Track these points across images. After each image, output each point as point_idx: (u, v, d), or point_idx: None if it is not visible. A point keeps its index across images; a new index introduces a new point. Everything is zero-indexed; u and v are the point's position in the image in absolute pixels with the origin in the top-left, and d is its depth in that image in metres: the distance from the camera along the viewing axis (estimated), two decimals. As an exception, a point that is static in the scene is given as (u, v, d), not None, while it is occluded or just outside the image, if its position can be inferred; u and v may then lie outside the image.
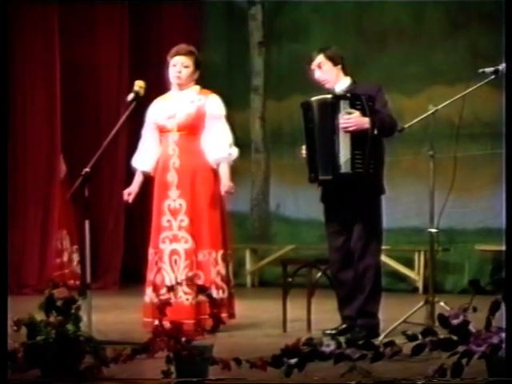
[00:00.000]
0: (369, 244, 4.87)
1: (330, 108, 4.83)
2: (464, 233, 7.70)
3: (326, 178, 4.87)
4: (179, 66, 5.31)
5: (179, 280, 5.00)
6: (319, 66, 5.01)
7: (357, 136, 4.77)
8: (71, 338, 3.61)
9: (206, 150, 5.29)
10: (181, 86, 5.35)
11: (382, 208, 4.97)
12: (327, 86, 5.02)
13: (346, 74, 5.03)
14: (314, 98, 4.94)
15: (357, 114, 4.77)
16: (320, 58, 5.00)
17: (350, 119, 4.76)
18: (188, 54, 5.33)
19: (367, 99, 4.79)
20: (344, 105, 4.80)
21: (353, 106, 4.79)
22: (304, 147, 4.98)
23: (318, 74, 5.02)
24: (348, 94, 4.85)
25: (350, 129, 4.76)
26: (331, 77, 4.99)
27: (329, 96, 4.89)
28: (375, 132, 4.78)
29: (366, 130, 4.76)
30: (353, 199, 4.87)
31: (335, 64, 4.99)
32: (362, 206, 4.87)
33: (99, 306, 5.14)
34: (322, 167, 4.87)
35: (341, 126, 4.77)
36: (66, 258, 8.06)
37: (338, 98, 4.84)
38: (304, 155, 4.98)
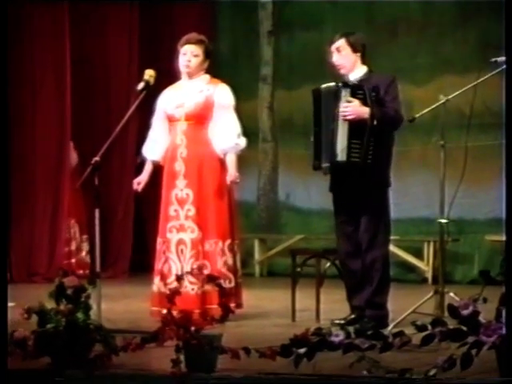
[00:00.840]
0: (376, 236, 4.86)
1: (333, 95, 4.82)
2: (474, 223, 7.68)
3: (325, 165, 4.87)
4: (189, 54, 5.30)
5: (185, 270, 5.01)
6: (338, 50, 4.96)
7: (355, 125, 4.75)
8: (81, 326, 3.63)
9: (213, 140, 5.29)
10: (190, 75, 5.34)
11: (388, 200, 4.95)
12: (342, 71, 4.98)
13: (363, 62, 4.98)
14: (322, 86, 4.92)
15: (356, 102, 4.75)
16: (341, 42, 4.95)
17: (348, 107, 4.74)
18: (198, 42, 5.32)
19: (371, 89, 4.77)
20: (345, 93, 4.78)
21: (354, 95, 4.77)
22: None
23: (336, 58, 4.97)
24: (350, 83, 4.83)
25: (348, 117, 4.75)
26: (348, 63, 4.94)
27: (333, 84, 4.87)
28: (375, 123, 4.74)
29: (365, 119, 4.74)
30: (359, 190, 4.86)
31: (355, 51, 4.95)
32: (368, 198, 4.86)
33: (108, 295, 5.14)
34: (324, 155, 4.86)
35: (339, 113, 4.76)
36: (74, 247, 8.08)
37: (339, 86, 4.82)
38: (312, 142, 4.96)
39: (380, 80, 4.89)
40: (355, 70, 4.96)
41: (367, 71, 4.98)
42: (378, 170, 4.83)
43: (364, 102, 4.76)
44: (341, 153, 4.76)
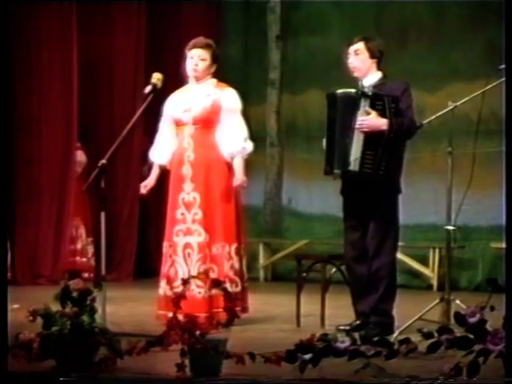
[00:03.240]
0: (383, 242, 4.84)
1: (351, 103, 4.78)
2: (478, 230, 7.66)
3: (337, 171, 4.86)
4: (196, 58, 5.30)
5: (192, 273, 5.00)
6: (356, 53, 4.92)
7: (371, 137, 4.72)
8: (86, 329, 3.62)
9: (220, 144, 5.28)
10: (197, 79, 5.34)
11: (398, 207, 4.93)
12: (356, 74, 4.94)
13: (378, 68, 4.95)
14: (339, 91, 4.88)
15: (373, 115, 4.71)
16: (359, 45, 4.92)
17: (365, 120, 4.71)
18: (205, 47, 5.32)
19: (390, 100, 4.72)
20: (364, 103, 4.75)
21: (373, 105, 4.73)
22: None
23: (352, 60, 4.94)
24: (370, 93, 4.78)
25: (365, 129, 4.72)
26: (363, 67, 4.91)
27: (352, 91, 4.83)
28: (391, 135, 4.73)
29: (383, 131, 4.72)
30: (369, 197, 4.84)
31: (372, 57, 4.92)
32: (378, 205, 4.83)
33: (113, 298, 5.14)
34: (337, 161, 4.84)
35: (356, 124, 4.74)
36: (80, 249, 8.08)
37: (359, 95, 4.78)
38: (324, 147, 4.94)
39: (394, 87, 4.85)
40: (369, 74, 4.93)
41: (381, 77, 4.94)
42: (389, 176, 4.81)
43: (382, 114, 4.72)
44: (354, 162, 4.73)
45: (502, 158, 7.21)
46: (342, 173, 4.83)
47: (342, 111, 4.83)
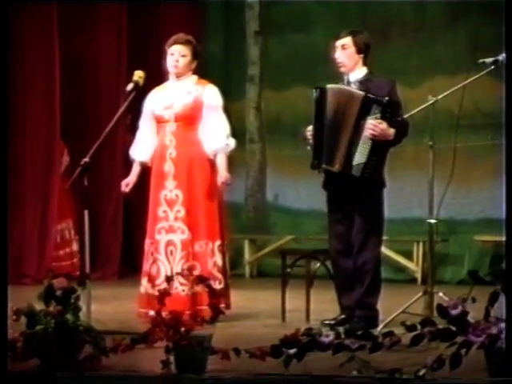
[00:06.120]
0: (369, 237, 4.85)
1: (359, 106, 4.71)
2: (464, 223, 7.71)
3: (329, 168, 4.83)
4: (177, 54, 5.29)
5: (175, 271, 5.00)
6: (343, 47, 4.89)
7: (377, 144, 4.71)
8: (70, 327, 3.62)
9: (203, 141, 5.28)
10: (178, 76, 5.33)
11: (383, 201, 4.94)
12: (342, 69, 4.92)
13: (364, 63, 4.94)
14: (329, 86, 4.85)
15: (385, 125, 4.68)
16: (347, 40, 4.90)
17: (377, 129, 4.66)
18: (186, 43, 5.31)
19: (395, 107, 4.71)
20: (377, 110, 4.69)
21: (384, 112, 4.69)
22: (310, 128, 4.90)
23: (338, 55, 4.91)
24: (384, 100, 4.70)
25: (376, 138, 4.68)
26: (350, 62, 4.89)
27: (359, 93, 4.74)
28: (395, 145, 4.78)
29: (389, 141, 4.73)
30: (354, 191, 4.84)
31: (359, 52, 4.89)
32: (363, 198, 4.84)
33: (98, 296, 5.14)
34: (327, 157, 4.82)
35: (368, 131, 4.68)
36: (65, 248, 8.05)
37: (371, 100, 4.71)
38: (310, 139, 4.89)
39: (381, 84, 4.85)
40: (356, 70, 4.91)
41: (367, 73, 4.93)
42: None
43: (389, 121, 4.69)
44: (356, 167, 4.72)
45: (490, 152, 7.33)
46: (340, 173, 4.77)
47: (335, 108, 4.78)
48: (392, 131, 4.72)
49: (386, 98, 4.72)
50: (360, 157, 4.73)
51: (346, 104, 4.77)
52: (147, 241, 5.33)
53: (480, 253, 7.62)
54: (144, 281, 5.27)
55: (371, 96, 4.73)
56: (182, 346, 3.52)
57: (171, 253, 5.23)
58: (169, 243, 5.24)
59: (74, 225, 7.98)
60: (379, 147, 4.74)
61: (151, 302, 4.83)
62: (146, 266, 5.30)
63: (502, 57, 4.66)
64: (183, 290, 5.12)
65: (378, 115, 4.70)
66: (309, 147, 4.95)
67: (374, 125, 4.68)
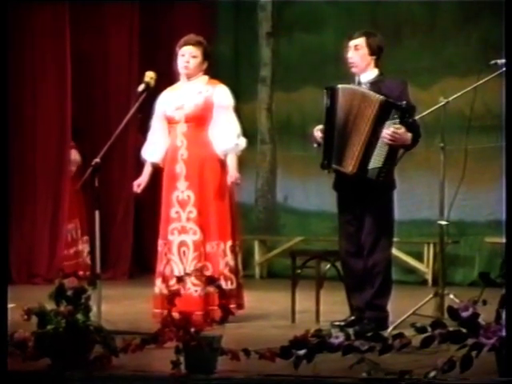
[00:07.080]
0: (379, 238, 4.84)
1: (377, 110, 4.69)
2: (474, 225, 7.68)
3: (340, 169, 4.82)
4: (187, 55, 5.30)
5: (188, 271, 5.00)
6: (356, 48, 4.88)
7: (394, 148, 4.70)
8: (81, 327, 3.63)
9: (213, 141, 5.29)
10: (189, 76, 5.34)
11: (393, 202, 4.92)
12: (353, 70, 4.90)
13: (376, 65, 4.92)
14: (341, 86, 4.82)
15: (403, 130, 4.66)
16: (360, 41, 4.88)
17: (397, 134, 4.64)
18: (196, 44, 5.32)
19: (413, 112, 4.70)
20: (396, 115, 4.67)
21: (403, 117, 4.67)
22: (318, 127, 4.88)
23: (351, 55, 4.90)
24: (403, 105, 4.68)
25: (395, 143, 4.67)
26: (362, 63, 4.87)
27: (379, 96, 4.69)
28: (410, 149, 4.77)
29: (405, 146, 4.72)
30: (364, 192, 4.83)
31: (372, 53, 4.88)
32: (373, 200, 4.83)
33: (108, 296, 5.15)
34: (337, 157, 4.80)
35: (387, 136, 4.65)
36: (75, 248, 8.08)
37: (391, 104, 4.68)
38: (318, 138, 4.88)
39: (393, 85, 4.83)
40: (367, 71, 4.89)
41: (378, 74, 4.92)
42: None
43: (407, 126, 4.67)
44: (372, 171, 4.70)
45: (500, 154, 7.29)
46: (354, 175, 4.75)
47: (346, 107, 4.76)
48: (410, 136, 4.70)
49: (404, 103, 4.70)
50: (376, 161, 4.71)
51: (360, 105, 4.76)
52: (160, 242, 5.34)
53: (490, 255, 7.59)
54: (158, 281, 5.27)
55: (390, 100, 4.70)
56: (192, 346, 3.53)
57: (184, 253, 5.24)
58: (181, 244, 5.24)
59: (81, 225, 8.01)
60: (395, 151, 4.74)
61: (165, 303, 4.83)
62: (159, 267, 5.31)
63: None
64: (196, 291, 5.13)
65: (397, 120, 4.67)
66: (315, 145, 4.95)
67: (394, 131, 4.65)
